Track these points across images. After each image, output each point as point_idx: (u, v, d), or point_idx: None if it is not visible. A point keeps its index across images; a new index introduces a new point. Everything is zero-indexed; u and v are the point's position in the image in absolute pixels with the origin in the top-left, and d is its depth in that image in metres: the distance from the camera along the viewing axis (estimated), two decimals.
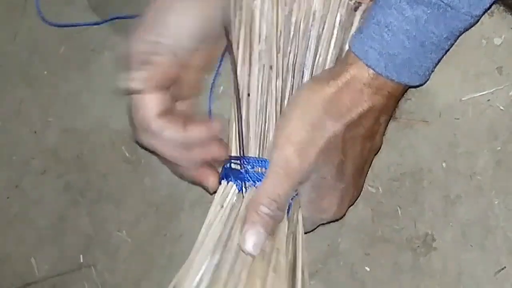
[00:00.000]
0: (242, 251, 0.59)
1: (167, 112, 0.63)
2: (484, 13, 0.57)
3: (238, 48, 0.64)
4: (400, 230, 0.66)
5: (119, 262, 0.75)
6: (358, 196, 0.64)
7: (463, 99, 0.65)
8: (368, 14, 0.59)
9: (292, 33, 0.64)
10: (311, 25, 0.63)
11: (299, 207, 0.62)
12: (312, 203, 0.62)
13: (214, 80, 0.72)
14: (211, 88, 0.72)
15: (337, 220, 0.64)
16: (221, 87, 0.73)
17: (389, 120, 0.63)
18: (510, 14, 0.65)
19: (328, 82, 0.58)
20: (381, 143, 0.64)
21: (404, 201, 0.66)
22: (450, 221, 0.65)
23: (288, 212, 0.61)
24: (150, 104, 0.63)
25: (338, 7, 0.63)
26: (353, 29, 0.64)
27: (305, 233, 0.64)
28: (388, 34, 0.56)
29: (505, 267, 0.63)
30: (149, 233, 0.75)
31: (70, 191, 0.78)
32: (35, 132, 0.80)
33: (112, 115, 0.77)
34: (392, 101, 0.60)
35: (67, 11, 0.80)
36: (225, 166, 0.63)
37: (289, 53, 0.63)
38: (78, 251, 0.77)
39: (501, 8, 0.65)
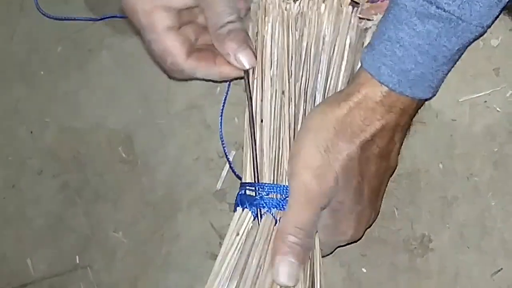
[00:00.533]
0: (278, 284, 0.59)
1: (193, 50, 0.64)
2: (493, 22, 0.57)
3: (252, 74, 0.64)
4: (397, 231, 0.66)
5: (116, 262, 0.75)
6: (376, 218, 0.64)
7: (460, 100, 0.65)
8: (378, 31, 0.58)
9: (303, 57, 0.64)
10: (322, 49, 0.63)
11: (316, 231, 0.62)
12: (329, 227, 0.61)
13: (226, 94, 0.71)
14: (224, 102, 0.71)
15: (354, 242, 0.64)
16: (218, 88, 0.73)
17: (404, 138, 0.62)
18: (508, 16, 0.64)
19: (339, 104, 0.58)
20: (397, 163, 0.63)
21: (401, 202, 0.66)
22: (447, 222, 0.65)
23: None
24: (175, 50, 0.63)
25: (348, 30, 0.63)
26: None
27: (323, 257, 0.63)
28: (400, 50, 0.56)
29: (501, 268, 0.63)
30: (146, 233, 0.74)
31: (66, 191, 0.78)
32: (32, 132, 0.80)
33: (110, 115, 0.77)
34: (405, 118, 0.59)
35: (65, 10, 0.80)
36: (240, 193, 0.63)
37: (301, 77, 0.63)
38: (75, 252, 0.77)
39: None
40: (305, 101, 0.63)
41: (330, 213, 0.60)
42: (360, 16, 0.63)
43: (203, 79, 0.66)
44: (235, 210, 0.63)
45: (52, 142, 0.79)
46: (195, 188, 0.73)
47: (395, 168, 0.63)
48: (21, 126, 0.80)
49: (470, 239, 0.64)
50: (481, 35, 0.57)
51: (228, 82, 0.71)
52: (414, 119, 0.66)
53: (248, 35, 0.64)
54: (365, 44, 0.63)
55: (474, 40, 0.57)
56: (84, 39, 0.79)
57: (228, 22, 0.62)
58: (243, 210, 0.62)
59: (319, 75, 0.63)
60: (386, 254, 0.66)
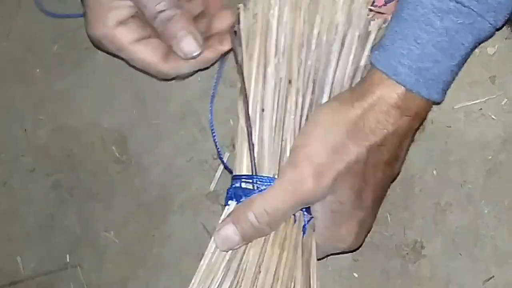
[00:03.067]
0: (213, 239, 0.58)
1: (169, 51, 0.64)
2: (503, 26, 0.57)
3: (251, 59, 0.61)
4: (389, 236, 0.66)
5: (106, 262, 0.74)
6: (372, 225, 0.63)
7: (455, 107, 0.66)
8: (389, 30, 0.57)
9: (313, 46, 0.60)
10: (334, 39, 0.60)
11: (313, 230, 0.60)
12: (329, 229, 0.59)
13: (215, 87, 0.70)
14: (212, 95, 0.70)
15: (352, 251, 0.63)
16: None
17: (410, 145, 0.61)
18: (505, 25, 0.65)
19: (353, 104, 0.56)
20: (400, 171, 0.61)
21: (395, 208, 0.66)
22: (440, 229, 0.65)
23: (303, 236, 0.59)
24: (150, 59, 0.64)
25: (358, 21, 0.61)
26: (368, 46, 0.62)
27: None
28: (417, 48, 0.54)
29: (493, 276, 0.63)
30: (137, 234, 0.74)
31: (58, 190, 0.77)
32: (26, 129, 0.80)
33: (104, 115, 0.77)
34: (416, 123, 0.58)
35: (60, 10, 0.80)
36: (234, 185, 0.60)
37: (310, 67, 0.60)
38: (65, 251, 0.76)
39: None
40: (313, 92, 0.59)
41: (330, 214, 0.58)
42: (371, 8, 0.61)
43: (194, 72, 0.66)
44: (226, 204, 0.61)
45: (45, 140, 0.79)
46: (188, 189, 0.73)
47: (397, 175, 0.62)
48: (15, 124, 0.80)
49: (463, 246, 0.64)
50: (488, 37, 0.57)
51: (216, 76, 0.70)
52: None
53: (189, 20, 0.63)
54: (369, 41, 0.61)
55: (482, 41, 0.57)
56: (80, 38, 0.79)
57: (159, 12, 0.62)
58: (237, 203, 0.59)
59: (330, 66, 0.60)
60: (378, 260, 0.66)
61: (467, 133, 0.65)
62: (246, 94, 0.60)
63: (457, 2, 0.53)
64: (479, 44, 0.57)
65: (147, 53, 0.63)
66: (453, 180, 0.65)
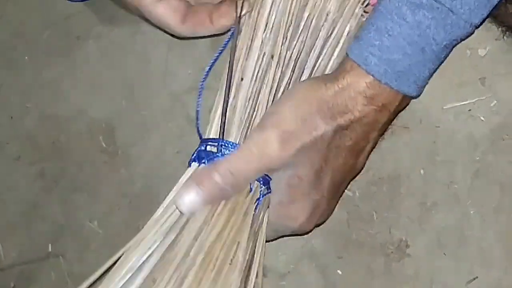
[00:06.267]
0: (175, 204, 0.58)
1: (188, 14, 0.67)
2: (480, 24, 0.57)
3: (240, 31, 0.63)
4: (374, 234, 0.66)
5: (89, 253, 0.74)
6: (328, 217, 0.64)
7: (444, 107, 0.66)
8: (366, 23, 0.59)
9: (301, 28, 0.62)
10: (322, 25, 0.63)
11: (268, 207, 0.61)
12: (282, 205, 0.60)
13: (207, 72, 0.70)
14: (203, 82, 0.70)
15: (301, 235, 0.63)
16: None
17: (377, 141, 0.62)
18: (495, 26, 0.65)
19: (326, 84, 0.58)
20: (363, 166, 0.63)
21: (381, 206, 0.66)
22: (425, 228, 0.65)
23: (256, 208, 0.60)
24: (168, 20, 0.66)
25: (350, 17, 0.63)
26: None
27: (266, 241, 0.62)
28: (388, 39, 0.56)
29: (477, 277, 0.63)
30: (121, 226, 0.74)
31: (43, 179, 0.77)
32: (12, 117, 0.79)
33: (92, 104, 0.77)
34: (383, 116, 0.59)
35: None
36: (200, 148, 0.61)
37: (294, 47, 0.62)
38: (48, 240, 0.75)
39: (487, 19, 0.65)
40: (293, 71, 0.62)
41: (287, 189, 0.59)
42: (366, 10, 0.63)
43: (207, 36, 0.69)
44: (189, 166, 0.61)
45: (31, 128, 0.78)
46: (174, 182, 0.72)
47: (360, 171, 0.63)
48: (1, 111, 0.80)
49: (447, 246, 0.64)
50: (467, 36, 0.57)
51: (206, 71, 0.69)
52: (398, 124, 0.66)
53: None
54: None
55: (460, 41, 0.58)
56: (72, 26, 0.79)
57: None
58: (199, 165, 0.60)
59: (313, 51, 0.62)
60: (362, 257, 0.66)
61: (455, 133, 0.65)
62: (232, 63, 0.62)
63: None
64: (458, 42, 0.58)
65: (166, 14, 0.66)
66: (440, 180, 0.65)
